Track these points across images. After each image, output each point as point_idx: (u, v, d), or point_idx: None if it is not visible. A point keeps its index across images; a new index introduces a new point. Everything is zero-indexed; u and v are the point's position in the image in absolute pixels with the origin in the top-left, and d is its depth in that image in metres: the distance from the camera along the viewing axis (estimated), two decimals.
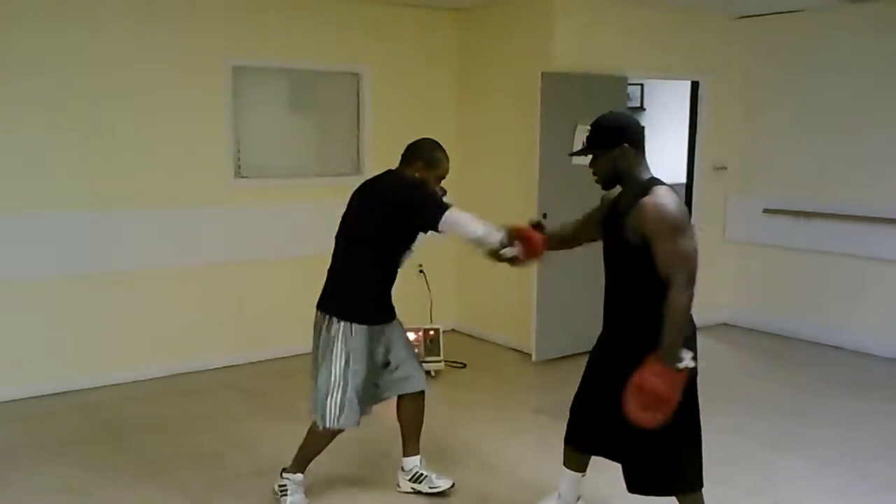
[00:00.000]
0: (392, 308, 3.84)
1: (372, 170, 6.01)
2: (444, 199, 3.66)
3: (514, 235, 3.45)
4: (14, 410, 5.24)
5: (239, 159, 6.18)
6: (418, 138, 3.80)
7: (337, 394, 3.63)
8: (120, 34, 5.58)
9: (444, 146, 3.78)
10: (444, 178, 3.74)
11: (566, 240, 3.60)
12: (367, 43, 6.60)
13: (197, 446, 4.68)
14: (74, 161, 5.49)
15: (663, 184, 3.10)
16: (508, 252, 3.44)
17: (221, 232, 6.09)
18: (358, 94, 6.67)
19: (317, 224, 6.15)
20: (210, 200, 6.04)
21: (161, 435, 4.86)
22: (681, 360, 2.97)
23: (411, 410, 3.95)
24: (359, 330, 3.64)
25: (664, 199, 3.00)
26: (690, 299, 2.97)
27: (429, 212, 3.49)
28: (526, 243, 3.46)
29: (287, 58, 6.28)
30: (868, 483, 4.26)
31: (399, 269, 3.79)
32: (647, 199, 3.01)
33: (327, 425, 3.68)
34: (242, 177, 6.21)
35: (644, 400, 2.97)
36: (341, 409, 3.64)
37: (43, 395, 5.45)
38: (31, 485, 4.16)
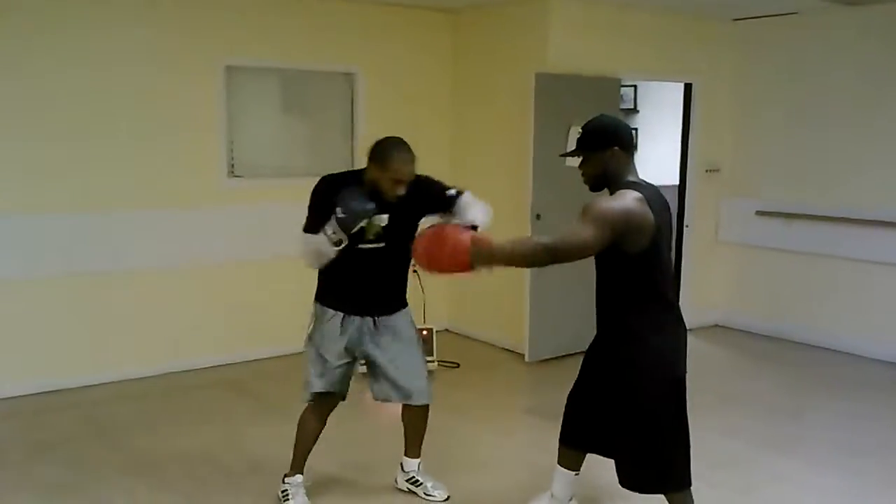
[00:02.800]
0: (381, 305, 3.76)
1: None
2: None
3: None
4: (5, 408, 5.22)
5: (232, 159, 6.18)
6: (384, 137, 3.66)
7: (314, 365, 3.72)
8: (113, 34, 5.56)
9: (409, 147, 3.56)
10: (401, 180, 3.51)
11: None
12: (360, 43, 6.60)
13: (188, 445, 4.66)
14: (67, 161, 5.48)
15: (640, 187, 3.09)
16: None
17: (215, 232, 6.08)
18: (352, 95, 6.67)
19: None
20: (203, 200, 6.04)
21: (152, 433, 4.85)
22: (479, 267, 3.06)
23: (412, 420, 3.96)
24: (332, 315, 3.70)
25: (611, 196, 3.07)
26: (538, 259, 3.10)
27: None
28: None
29: (281, 58, 6.28)
30: (861, 484, 4.28)
31: (369, 262, 3.66)
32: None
33: (304, 390, 3.75)
34: (236, 176, 6.21)
35: (435, 240, 3.10)
36: (318, 378, 3.70)
37: (34, 394, 5.43)
38: (22, 482, 4.14)
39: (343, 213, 3.44)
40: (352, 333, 3.72)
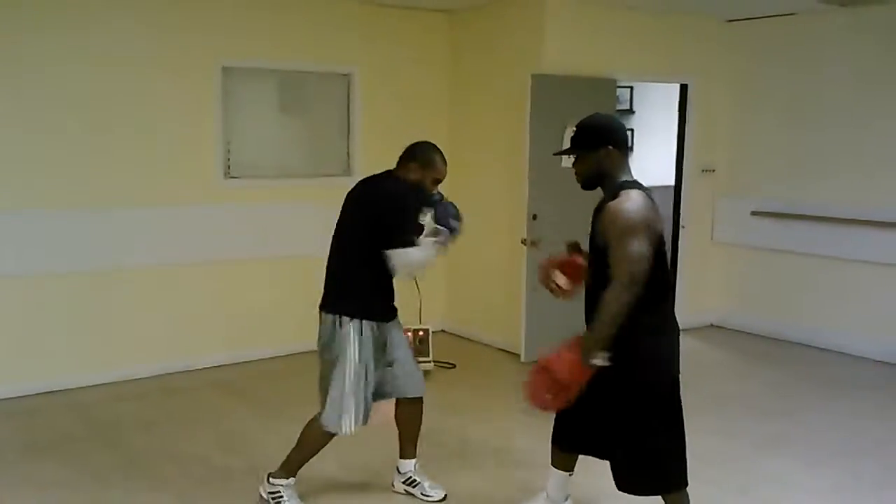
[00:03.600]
0: (394, 307, 3.83)
1: (362, 170, 6.03)
2: (443, 202, 3.75)
3: (559, 268, 3.42)
4: (2, 409, 5.22)
5: (228, 159, 6.18)
6: (417, 140, 3.81)
7: (351, 397, 3.61)
8: (110, 34, 5.57)
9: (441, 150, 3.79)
10: (440, 180, 3.75)
11: None
12: (357, 44, 6.61)
13: (185, 445, 4.67)
14: (64, 160, 5.48)
15: (638, 186, 3.10)
16: (556, 284, 3.44)
17: (211, 232, 6.09)
18: (348, 95, 6.68)
19: (306, 224, 6.19)
20: (199, 200, 6.04)
21: (149, 434, 4.85)
22: (595, 358, 2.99)
23: (409, 415, 3.96)
24: (366, 327, 3.65)
25: (627, 202, 3.01)
26: (629, 301, 2.95)
27: (396, 235, 3.56)
28: (570, 271, 3.41)
29: (277, 58, 6.28)
30: (856, 483, 4.29)
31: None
32: (611, 203, 3.05)
33: (341, 430, 3.65)
34: (232, 177, 6.21)
35: (545, 382, 3.02)
36: (356, 412, 3.63)
37: (31, 394, 5.43)
38: (20, 483, 4.14)
39: (442, 216, 3.68)
40: (378, 341, 3.72)
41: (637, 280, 2.93)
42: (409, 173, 3.70)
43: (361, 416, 3.65)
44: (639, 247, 2.94)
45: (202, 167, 6.03)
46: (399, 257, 3.55)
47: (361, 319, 3.64)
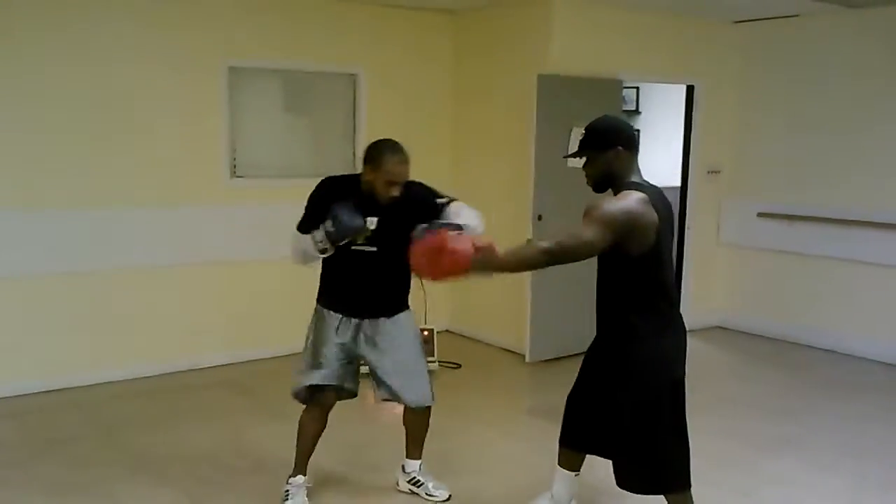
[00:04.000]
0: (378, 308, 3.75)
1: None
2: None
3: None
4: (7, 408, 5.23)
5: (234, 159, 6.19)
6: (379, 139, 3.67)
7: (307, 358, 3.76)
8: (117, 34, 5.58)
9: (402, 148, 3.56)
10: (394, 181, 3.51)
11: None
12: (363, 44, 6.62)
13: (189, 444, 4.68)
14: (70, 159, 5.49)
15: (643, 188, 3.10)
16: None
17: (217, 231, 6.10)
18: (354, 95, 6.68)
19: None
20: (205, 200, 6.05)
21: (154, 432, 4.86)
22: (483, 273, 3.03)
23: (413, 422, 3.97)
24: (330, 315, 3.73)
25: (613, 199, 3.05)
26: (540, 264, 3.06)
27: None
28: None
29: (283, 58, 6.29)
30: (861, 485, 4.28)
31: (363, 266, 3.68)
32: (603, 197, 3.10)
33: (294, 384, 3.78)
34: (238, 177, 6.22)
35: (431, 251, 3.03)
36: (309, 370, 3.73)
37: (36, 393, 5.45)
38: (24, 482, 4.15)
39: (332, 226, 3.49)
40: (348, 336, 3.73)
41: (559, 258, 2.97)
42: (365, 175, 3.60)
43: (318, 376, 3.70)
44: (588, 236, 2.96)
45: (208, 167, 6.05)
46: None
47: (322, 307, 3.78)
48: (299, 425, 3.84)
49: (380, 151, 3.55)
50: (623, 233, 2.97)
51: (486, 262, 3.00)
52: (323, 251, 3.57)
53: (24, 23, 5.27)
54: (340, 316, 3.72)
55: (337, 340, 3.71)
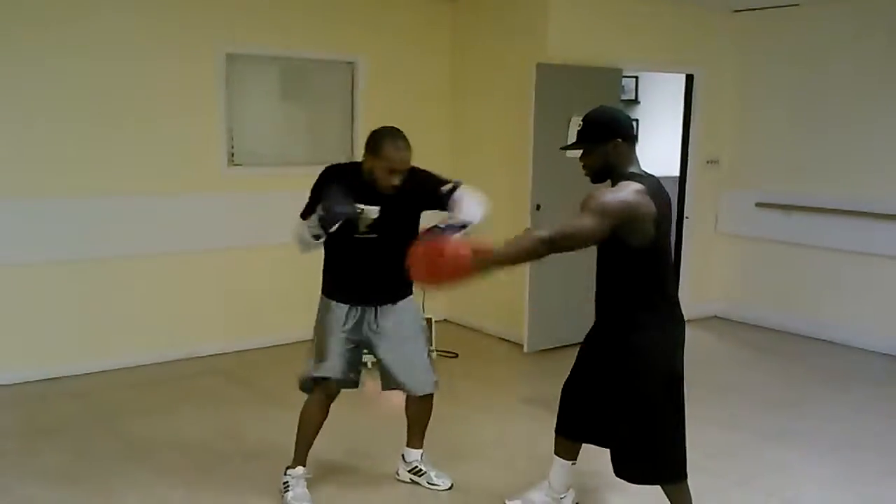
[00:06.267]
0: (382, 295, 3.75)
1: None
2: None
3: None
4: (4, 396, 5.23)
5: (232, 147, 6.17)
6: (381, 126, 3.67)
7: (314, 351, 3.75)
8: (115, 22, 5.55)
9: (404, 135, 3.55)
10: (395, 169, 3.50)
11: None
12: (361, 32, 6.59)
13: (186, 432, 4.68)
14: (67, 147, 5.47)
15: (641, 179, 3.08)
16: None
17: (214, 220, 6.08)
18: (352, 83, 6.66)
19: None
20: (203, 188, 6.03)
21: (150, 421, 4.86)
22: (482, 270, 2.99)
23: (416, 410, 3.97)
24: (336, 306, 3.72)
25: (611, 189, 3.04)
26: (537, 255, 3.00)
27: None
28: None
29: (281, 46, 6.26)
30: (858, 474, 4.29)
31: (366, 254, 3.68)
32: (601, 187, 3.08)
33: (300, 375, 3.78)
34: (235, 165, 6.20)
35: (430, 257, 3.01)
36: (315, 362, 3.72)
37: (33, 381, 5.44)
38: (21, 470, 4.15)
39: (323, 210, 3.49)
40: (354, 324, 3.72)
41: (557, 247, 2.94)
42: (365, 163, 3.60)
43: (323, 369, 3.69)
44: (586, 224, 2.94)
45: (205, 155, 6.02)
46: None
47: (327, 297, 3.76)
48: (302, 414, 3.82)
49: (380, 139, 3.54)
50: (620, 223, 2.96)
51: (484, 259, 2.98)
52: (316, 237, 3.57)
53: (23, 12, 5.24)
54: (346, 306, 3.71)
55: (343, 330, 3.71)
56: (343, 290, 3.74)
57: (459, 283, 3.04)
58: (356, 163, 3.73)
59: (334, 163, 3.81)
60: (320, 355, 3.72)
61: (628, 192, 3.00)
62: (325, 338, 3.73)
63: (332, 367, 3.71)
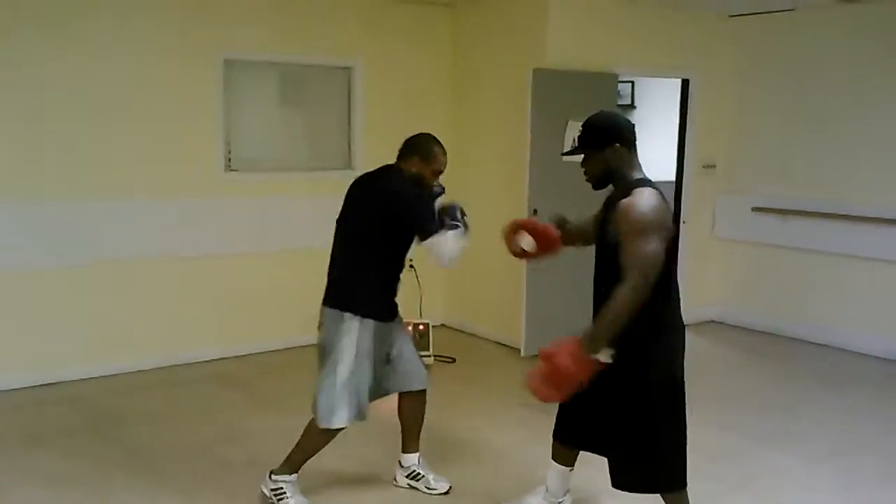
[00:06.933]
0: (396, 305, 3.83)
1: (363, 164, 6.04)
2: (442, 196, 3.76)
3: (527, 229, 3.54)
4: (3, 401, 5.22)
5: (229, 153, 6.17)
6: (416, 133, 3.80)
7: (344, 392, 3.60)
8: (114, 26, 5.56)
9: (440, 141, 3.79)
10: (440, 172, 3.74)
11: (583, 235, 3.56)
12: (359, 37, 6.60)
13: (185, 438, 4.68)
14: (64, 151, 5.47)
15: (651, 184, 3.08)
16: (517, 245, 3.55)
17: (211, 225, 6.08)
18: (349, 89, 6.67)
19: (307, 218, 6.20)
20: (200, 193, 6.03)
21: (149, 426, 4.85)
22: (597, 353, 2.99)
23: (412, 409, 3.96)
24: (368, 325, 3.62)
25: (641, 199, 2.98)
26: (637, 302, 2.93)
27: (420, 227, 3.58)
28: (539, 237, 3.54)
29: (279, 51, 6.27)
30: (856, 479, 4.30)
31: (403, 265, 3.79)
32: (624, 200, 3.01)
33: (332, 424, 3.62)
34: (232, 170, 6.20)
35: (549, 373, 3.00)
36: (348, 407, 3.61)
37: (32, 386, 5.44)
38: (20, 475, 4.15)
39: (450, 213, 3.62)
40: (379, 340, 3.70)
41: (649, 282, 2.92)
42: (411, 166, 3.69)
43: (355, 412, 3.63)
44: (654, 248, 2.92)
45: (203, 160, 6.03)
46: (440, 246, 3.53)
47: (364, 317, 3.61)
48: (310, 439, 3.73)
49: (429, 144, 3.74)
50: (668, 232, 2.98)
51: (599, 339, 2.98)
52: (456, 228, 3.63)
53: (22, 15, 5.25)
54: (379, 323, 3.67)
55: (377, 355, 3.69)
56: (386, 307, 3.76)
57: (585, 377, 3.02)
58: (398, 169, 3.73)
59: (365, 171, 3.85)
60: (356, 395, 3.62)
61: (657, 200, 3.00)
62: (360, 370, 3.62)
63: (354, 411, 3.63)
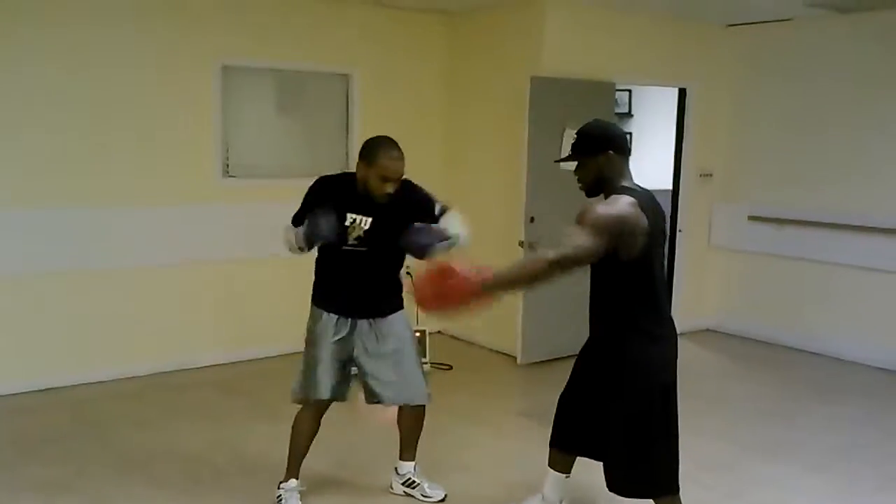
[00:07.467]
0: (372, 308, 3.75)
1: None
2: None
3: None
4: (1, 406, 5.24)
5: (227, 159, 6.18)
6: (375, 136, 3.68)
7: (302, 368, 3.76)
8: (110, 33, 5.57)
9: (397, 145, 3.56)
10: (388, 177, 3.52)
11: None
12: (357, 45, 6.62)
13: (181, 444, 4.67)
14: (62, 158, 5.48)
15: (634, 192, 3.09)
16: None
17: (209, 231, 6.09)
18: (347, 96, 6.68)
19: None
20: (198, 199, 6.04)
21: (145, 432, 4.85)
22: (491, 295, 2.98)
23: (410, 420, 3.96)
24: (318, 313, 3.74)
25: (604, 203, 3.05)
26: (543, 274, 2.96)
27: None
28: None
29: (277, 58, 6.28)
30: (851, 488, 4.30)
31: (355, 265, 3.70)
32: (592, 201, 3.10)
33: (294, 396, 3.79)
34: (230, 176, 6.21)
35: (436, 282, 2.99)
36: (307, 382, 3.72)
37: (27, 392, 5.43)
38: (15, 480, 4.14)
39: (309, 228, 3.58)
40: (343, 335, 3.72)
41: (564, 267, 2.93)
42: (358, 171, 3.61)
43: (311, 388, 3.71)
44: (587, 242, 2.94)
45: (201, 166, 6.04)
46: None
47: (316, 307, 3.77)
48: (294, 426, 3.84)
49: (374, 147, 3.56)
50: (615, 237, 2.97)
51: (497, 283, 2.98)
52: (299, 249, 3.68)
53: (22, 24, 5.26)
54: (335, 316, 3.72)
55: (332, 341, 3.70)
56: (332, 300, 3.74)
57: (467, 309, 3.02)
58: (349, 173, 3.74)
59: (328, 174, 3.82)
60: (309, 372, 3.72)
61: (620, 205, 3.01)
62: (314, 350, 3.72)
63: (321, 386, 3.70)
